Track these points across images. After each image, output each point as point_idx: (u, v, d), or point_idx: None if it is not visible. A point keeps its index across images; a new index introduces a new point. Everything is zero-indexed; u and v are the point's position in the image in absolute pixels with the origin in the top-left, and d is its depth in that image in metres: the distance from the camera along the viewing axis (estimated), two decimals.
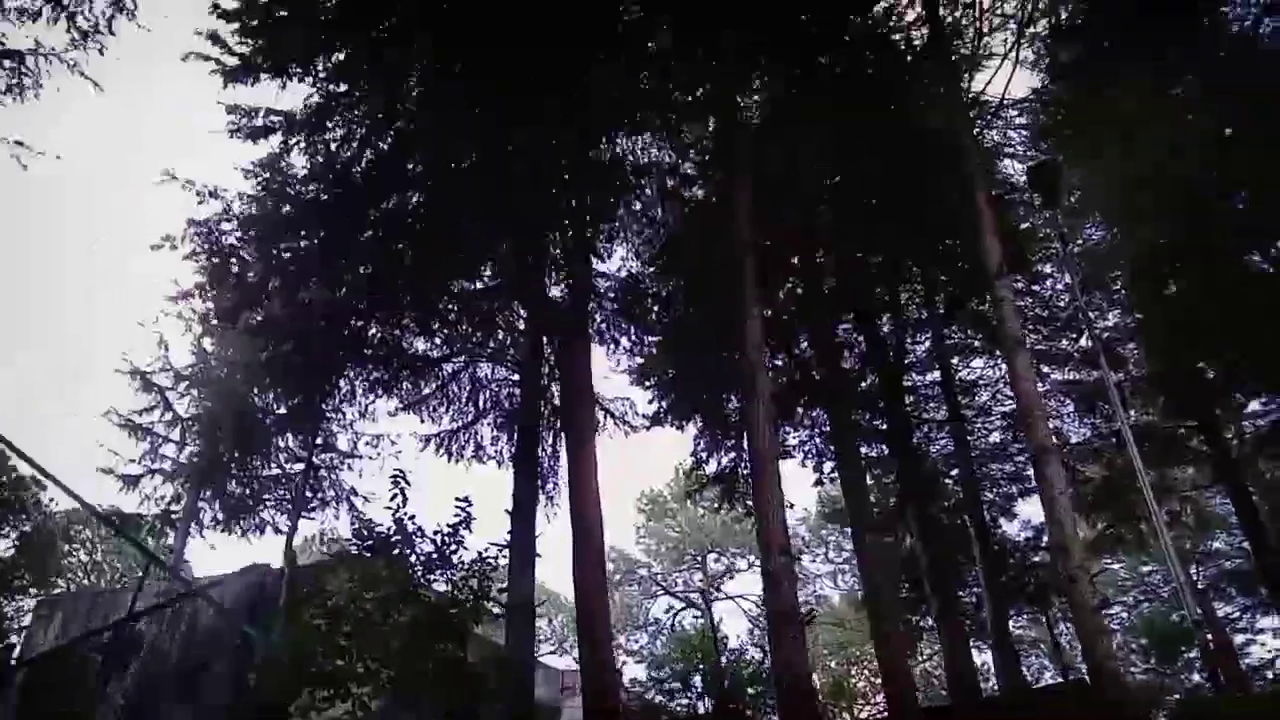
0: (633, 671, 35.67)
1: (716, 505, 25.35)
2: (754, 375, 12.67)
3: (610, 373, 34.88)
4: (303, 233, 16.21)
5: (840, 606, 40.33)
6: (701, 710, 27.09)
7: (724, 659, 26.15)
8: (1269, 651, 32.17)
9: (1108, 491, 22.69)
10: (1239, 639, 32.88)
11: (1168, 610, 33.45)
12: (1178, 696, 29.91)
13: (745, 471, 21.22)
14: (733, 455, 21.29)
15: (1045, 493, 10.79)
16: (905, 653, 17.56)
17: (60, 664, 17.09)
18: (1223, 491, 23.90)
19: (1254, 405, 22.45)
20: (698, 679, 22.47)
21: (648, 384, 22.37)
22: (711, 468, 22.10)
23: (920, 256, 19.38)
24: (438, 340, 19.18)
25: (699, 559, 40.75)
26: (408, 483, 12.11)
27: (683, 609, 39.45)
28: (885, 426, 20.51)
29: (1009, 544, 22.56)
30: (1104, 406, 21.44)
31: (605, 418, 20.55)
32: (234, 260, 16.60)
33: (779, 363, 19.68)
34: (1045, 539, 21.19)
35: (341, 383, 18.93)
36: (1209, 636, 13.90)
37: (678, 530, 41.47)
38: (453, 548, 12.03)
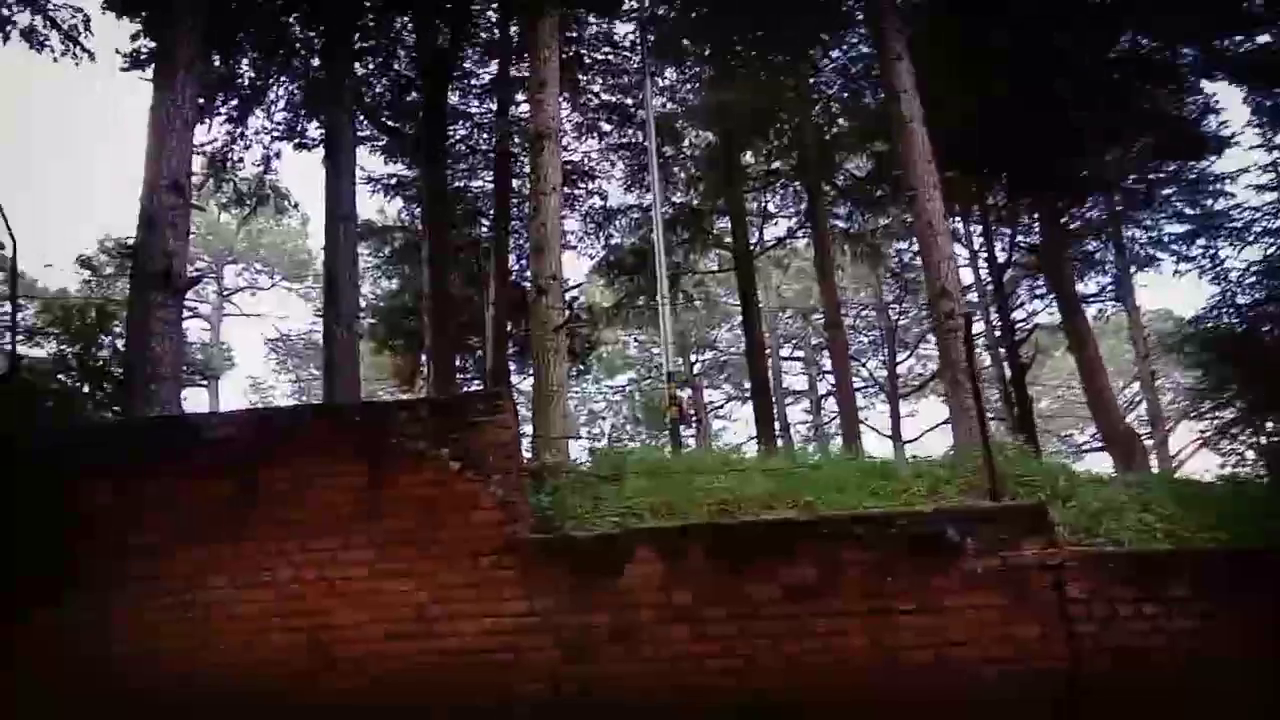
0: None
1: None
2: None
3: None
4: None
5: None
6: None
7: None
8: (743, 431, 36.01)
9: (632, 261, 22.68)
10: (718, 423, 37.08)
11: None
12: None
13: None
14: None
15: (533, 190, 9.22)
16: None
17: None
18: (733, 284, 24.75)
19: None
20: None
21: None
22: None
23: None
24: None
25: (215, 266, 35.75)
26: None
27: (189, 317, 34.62)
28: (419, 135, 17.90)
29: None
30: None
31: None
32: None
33: None
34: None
35: None
36: (680, 409, 14.04)
37: (195, 231, 35.69)
38: None
